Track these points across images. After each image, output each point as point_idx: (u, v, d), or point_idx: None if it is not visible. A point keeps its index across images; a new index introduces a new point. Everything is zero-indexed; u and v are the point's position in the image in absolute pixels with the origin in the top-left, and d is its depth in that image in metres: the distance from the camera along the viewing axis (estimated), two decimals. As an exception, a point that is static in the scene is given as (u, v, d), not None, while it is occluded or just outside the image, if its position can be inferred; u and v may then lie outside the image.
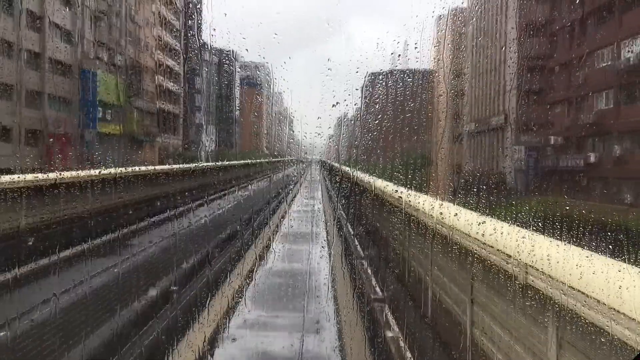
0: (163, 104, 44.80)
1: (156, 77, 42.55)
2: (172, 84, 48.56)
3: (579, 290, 2.46)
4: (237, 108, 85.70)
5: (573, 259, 2.63)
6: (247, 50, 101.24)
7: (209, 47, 63.44)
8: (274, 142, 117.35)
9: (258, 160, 69.78)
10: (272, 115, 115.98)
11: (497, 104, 33.64)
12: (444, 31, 38.72)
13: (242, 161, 58.60)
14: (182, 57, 51.66)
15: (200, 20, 58.34)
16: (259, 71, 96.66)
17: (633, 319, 2.08)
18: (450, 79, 43.53)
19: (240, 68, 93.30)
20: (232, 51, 70.26)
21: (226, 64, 71.34)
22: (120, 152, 30.38)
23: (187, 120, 54.17)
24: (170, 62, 46.46)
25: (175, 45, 48.66)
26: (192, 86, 56.28)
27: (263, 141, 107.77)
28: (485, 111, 35.74)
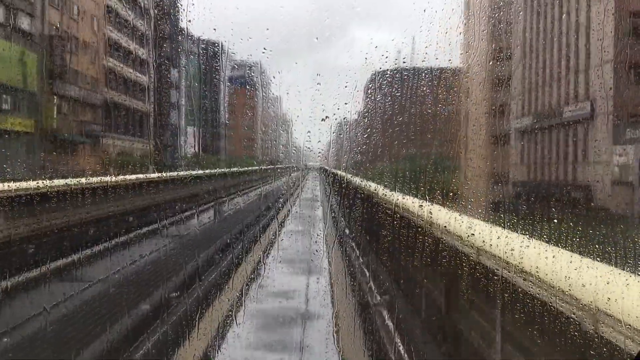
0: (117, 95, 34.61)
1: (105, 60, 32.47)
2: (135, 72, 38.48)
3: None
4: (226, 109, 75.56)
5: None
6: (236, 66, 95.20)
7: (190, 35, 53.42)
8: (268, 148, 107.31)
9: (249, 168, 59.65)
10: (267, 118, 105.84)
11: (574, 87, 23.48)
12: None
13: (229, 169, 48.72)
14: (150, 41, 41.66)
15: (178, 1, 48.38)
16: (252, 71, 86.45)
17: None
18: (487, 62, 33.46)
19: (231, 67, 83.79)
20: (220, 43, 60.23)
21: (212, 57, 61.21)
22: (28, 157, 20.22)
23: (160, 120, 44.11)
24: (129, 44, 36.28)
25: (140, 24, 38.59)
26: (166, 79, 46.24)
27: (256, 147, 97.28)
28: (551, 99, 25.59)
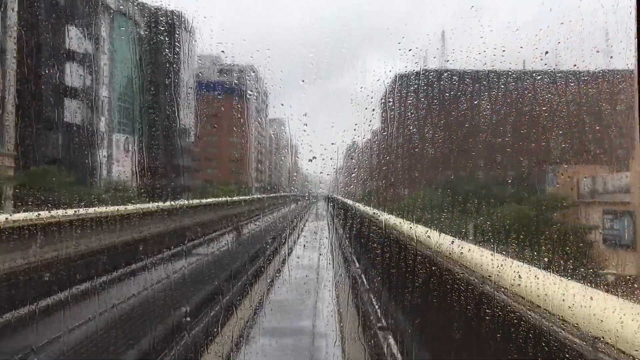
0: None
1: None
2: None
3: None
4: (202, 118, 54.25)
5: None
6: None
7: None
8: (267, 173, 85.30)
9: (232, 199, 37.75)
10: (264, 136, 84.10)
11: None
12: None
13: (191, 201, 27.44)
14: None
15: None
16: (245, 77, 64.78)
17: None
18: None
19: (217, 69, 63.53)
20: (178, 13, 39.10)
21: (168, 32, 39.95)
22: None
23: (29, 113, 22.68)
24: None
25: None
26: (52, 41, 24.88)
27: (250, 171, 74.54)
28: None
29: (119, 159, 31.12)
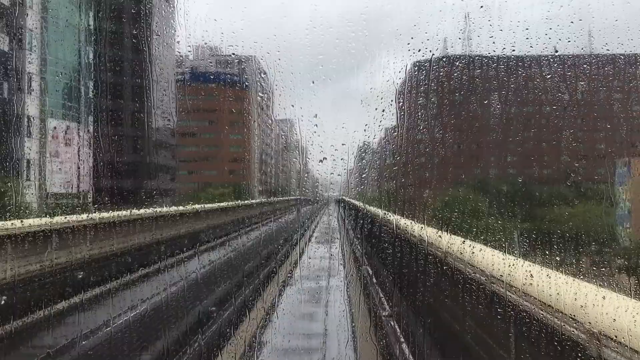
0: None
1: None
2: None
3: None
4: (192, 108, 46.18)
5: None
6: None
7: None
8: (272, 174, 76.87)
9: (220, 205, 29.56)
10: (270, 136, 75.62)
11: None
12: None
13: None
14: None
15: None
16: (245, 67, 56.71)
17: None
18: None
19: (216, 62, 56.28)
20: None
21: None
22: None
23: None
24: None
25: None
26: None
27: (252, 171, 66.33)
28: None
29: (55, 153, 22.79)
